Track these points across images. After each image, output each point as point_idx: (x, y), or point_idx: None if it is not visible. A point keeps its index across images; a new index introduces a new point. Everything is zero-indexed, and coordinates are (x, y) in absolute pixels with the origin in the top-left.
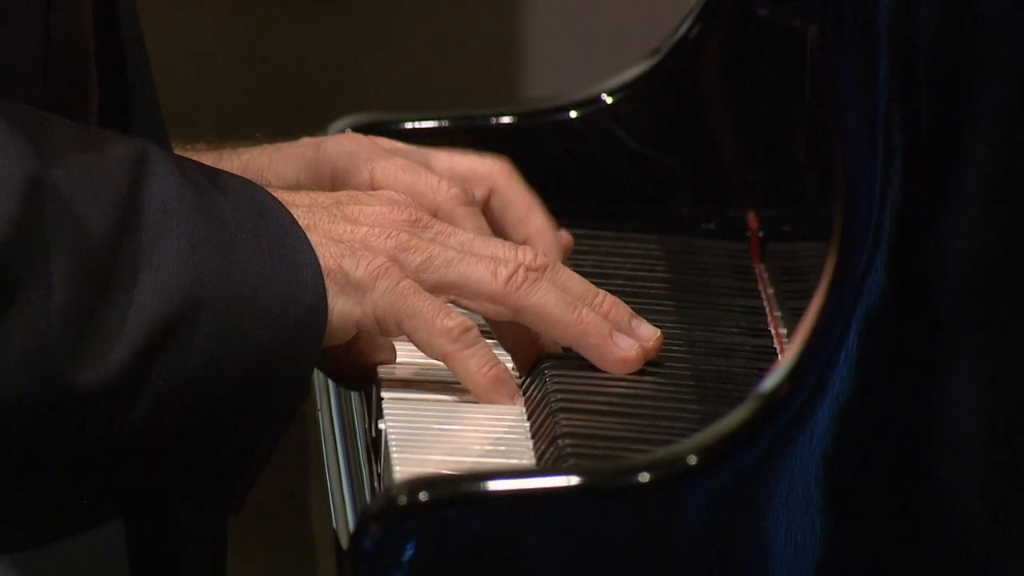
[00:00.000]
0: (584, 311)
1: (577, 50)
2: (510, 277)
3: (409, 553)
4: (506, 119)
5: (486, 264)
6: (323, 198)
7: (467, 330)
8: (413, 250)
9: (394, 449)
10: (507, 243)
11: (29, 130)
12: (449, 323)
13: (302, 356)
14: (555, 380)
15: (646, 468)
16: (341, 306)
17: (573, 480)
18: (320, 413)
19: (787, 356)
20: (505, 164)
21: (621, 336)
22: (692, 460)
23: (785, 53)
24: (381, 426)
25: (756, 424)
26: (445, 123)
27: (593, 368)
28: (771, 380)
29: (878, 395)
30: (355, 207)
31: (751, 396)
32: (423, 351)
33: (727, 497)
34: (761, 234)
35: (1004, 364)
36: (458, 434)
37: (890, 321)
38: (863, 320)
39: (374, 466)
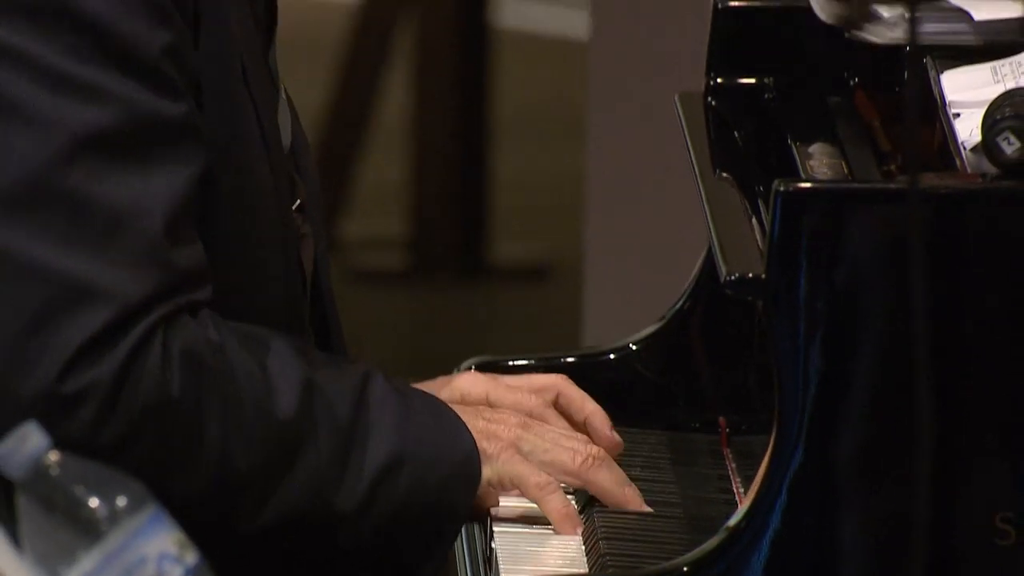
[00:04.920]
0: (626, 489)
1: (617, 310)
2: (583, 462)
3: None
4: (570, 359)
5: (569, 453)
6: (468, 407)
7: (550, 483)
8: (523, 441)
9: (501, 561)
10: (581, 437)
11: (301, 349)
12: (540, 480)
13: (464, 496)
14: (600, 518)
15: None
16: (482, 469)
17: None
18: None
19: (743, 505)
20: (563, 376)
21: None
22: (685, 570)
23: (742, 316)
24: (493, 546)
25: (724, 548)
26: (532, 361)
27: (626, 513)
28: (733, 520)
29: (800, 529)
30: (488, 412)
31: (721, 530)
32: (526, 496)
33: None
34: (728, 430)
35: (881, 508)
36: (540, 553)
37: (808, 483)
38: (791, 483)
39: (488, 572)
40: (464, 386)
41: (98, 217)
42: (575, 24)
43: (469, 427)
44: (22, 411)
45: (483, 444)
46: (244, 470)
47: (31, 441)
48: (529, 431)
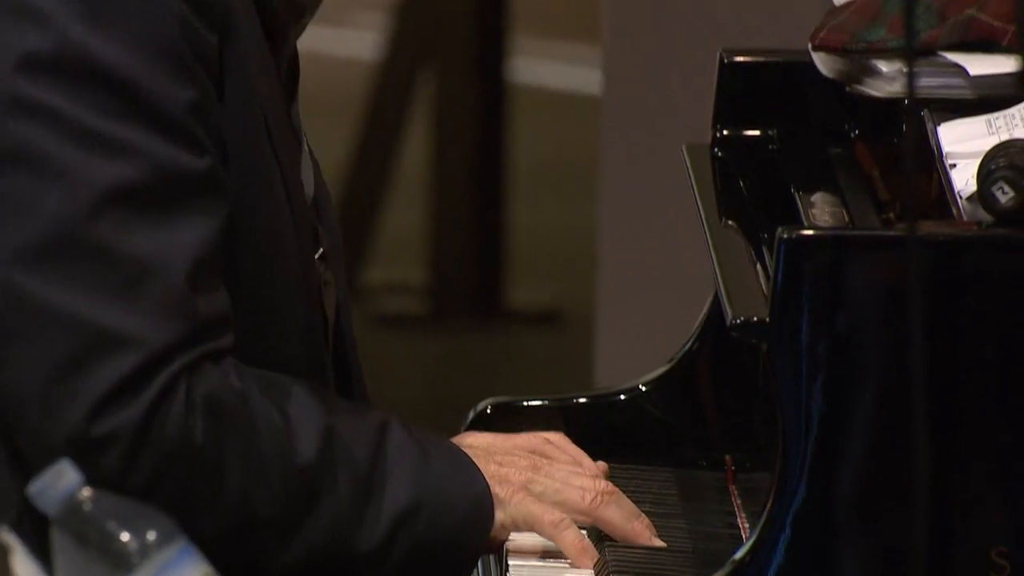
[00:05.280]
0: (635, 524)
1: (627, 352)
2: (592, 499)
3: None
4: (582, 399)
5: (579, 492)
6: (480, 451)
7: (563, 520)
8: (534, 483)
9: None
10: (589, 473)
11: (322, 396)
12: (553, 517)
13: (477, 540)
14: (611, 553)
15: None
16: (495, 513)
17: None
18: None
19: (748, 539)
20: (561, 435)
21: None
22: None
23: (748, 358)
24: None
25: None
26: (546, 402)
27: (636, 548)
28: (739, 554)
29: (802, 563)
30: (499, 456)
31: (727, 564)
32: (540, 535)
33: None
34: (733, 468)
35: (880, 543)
36: None
37: (810, 519)
38: (794, 519)
39: None
40: (467, 442)
41: (124, 268)
42: (588, 80)
43: (482, 471)
44: (51, 455)
45: (496, 488)
46: (265, 514)
47: (65, 478)
48: (539, 473)
